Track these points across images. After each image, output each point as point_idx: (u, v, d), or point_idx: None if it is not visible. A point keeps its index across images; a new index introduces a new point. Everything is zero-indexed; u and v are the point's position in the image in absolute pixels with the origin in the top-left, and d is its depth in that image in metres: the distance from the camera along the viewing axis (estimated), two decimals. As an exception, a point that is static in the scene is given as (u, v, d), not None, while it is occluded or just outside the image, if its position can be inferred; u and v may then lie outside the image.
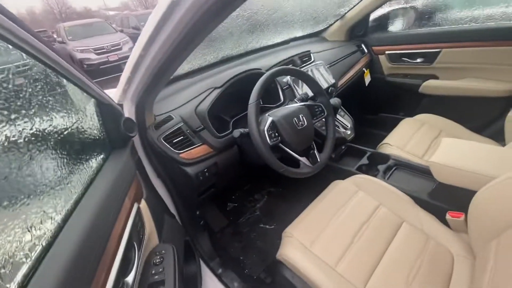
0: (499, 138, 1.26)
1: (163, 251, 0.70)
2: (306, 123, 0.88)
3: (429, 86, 1.61)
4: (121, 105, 0.83)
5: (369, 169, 1.21)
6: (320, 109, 0.96)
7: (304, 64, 1.34)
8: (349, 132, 1.26)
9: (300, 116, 0.88)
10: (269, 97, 1.17)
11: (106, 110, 0.69)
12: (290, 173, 0.83)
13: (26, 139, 0.44)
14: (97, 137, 0.69)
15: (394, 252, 0.83)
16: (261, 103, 1.17)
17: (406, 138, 1.34)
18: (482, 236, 0.73)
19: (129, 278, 0.53)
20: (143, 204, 0.71)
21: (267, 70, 0.92)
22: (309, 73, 1.29)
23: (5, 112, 0.40)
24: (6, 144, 0.39)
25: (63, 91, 0.58)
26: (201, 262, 1.13)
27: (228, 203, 1.61)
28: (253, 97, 0.81)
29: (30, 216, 0.39)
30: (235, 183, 1.65)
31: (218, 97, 0.97)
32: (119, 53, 6.24)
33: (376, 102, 1.93)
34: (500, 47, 1.33)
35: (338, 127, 1.26)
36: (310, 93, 1.08)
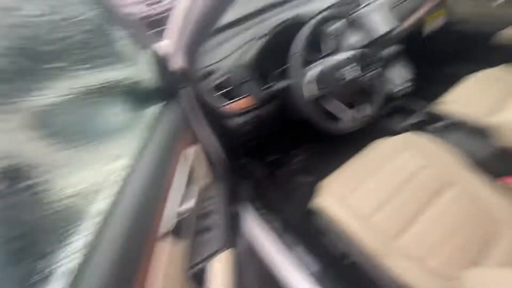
0: None
1: (214, 189, 0.80)
2: (353, 75, 0.83)
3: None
4: (171, 57, 0.88)
5: (421, 128, 1.13)
6: (370, 59, 0.89)
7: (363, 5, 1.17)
8: (403, 86, 1.14)
9: (348, 68, 0.83)
10: (315, 47, 1.10)
11: (160, 62, 0.75)
12: (331, 128, 0.83)
13: (90, 90, 0.50)
14: (153, 88, 0.77)
15: (436, 212, 0.82)
16: (305, 53, 1.13)
17: (471, 96, 1.17)
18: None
19: (187, 206, 0.64)
20: (197, 147, 0.80)
21: (314, 16, 0.85)
22: (367, 14, 1.14)
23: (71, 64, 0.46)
24: (71, 94, 0.45)
25: (122, 43, 0.63)
26: (244, 204, 1.26)
27: (268, 155, 1.68)
28: (296, 47, 0.78)
29: (106, 156, 0.48)
30: (276, 137, 1.70)
31: (262, 47, 0.95)
32: (161, 5, 6.20)
33: (444, 53, 1.66)
34: None
35: (391, 79, 1.14)
36: (362, 42, 0.98)
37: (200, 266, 0.62)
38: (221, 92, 0.93)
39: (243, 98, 0.95)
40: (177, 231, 0.56)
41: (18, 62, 0.34)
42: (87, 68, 0.50)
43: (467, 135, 1.04)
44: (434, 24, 1.51)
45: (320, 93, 0.80)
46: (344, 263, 0.88)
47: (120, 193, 0.46)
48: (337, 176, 0.95)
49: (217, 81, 0.93)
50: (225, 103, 0.93)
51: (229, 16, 1.18)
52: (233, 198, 1.19)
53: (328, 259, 1.01)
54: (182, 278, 0.56)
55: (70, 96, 0.45)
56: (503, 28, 1.33)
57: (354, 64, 0.85)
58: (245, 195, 1.31)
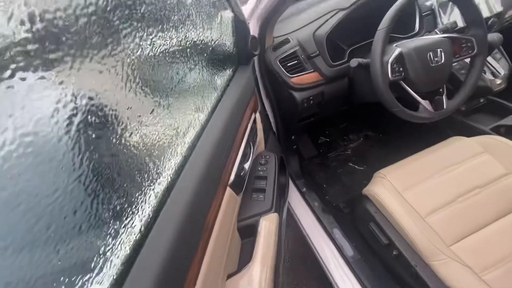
0: None
1: (267, 156, 0.84)
2: (443, 61, 0.74)
3: None
4: (249, 23, 0.90)
5: (510, 133, 0.97)
6: (469, 45, 0.77)
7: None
8: (499, 81, 0.97)
9: (438, 51, 0.73)
10: (401, 25, 0.99)
11: (240, 27, 0.77)
12: (405, 115, 0.77)
13: (176, 48, 0.55)
14: (231, 52, 0.81)
15: (503, 226, 0.74)
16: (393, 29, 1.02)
17: None
18: None
19: (246, 165, 0.69)
20: (257, 115, 0.84)
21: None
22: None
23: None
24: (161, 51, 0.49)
25: (210, 4, 0.67)
26: (289, 179, 1.30)
27: (321, 136, 1.66)
28: (385, 22, 0.71)
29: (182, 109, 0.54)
30: (334, 118, 1.65)
31: (341, 21, 0.90)
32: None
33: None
34: None
35: (484, 72, 0.98)
36: (460, 23, 0.85)
37: (249, 221, 0.68)
38: (290, 63, 0.92)
39: (311, 72, 0.94)
40: (237, 185, 0.62)
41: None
42: (175, 27, 0.55)
43: None
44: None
45: (396, 76, 0.74)
46: (384, 254, 0.86)
47: (200, 139, 0.53)
48: (396, 168, 0.90)
49: (288, 52, 0.92)
50: (292, 75, 0.93)
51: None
52: (282, 170, 1.23)
53: (366, 247, 1.00)
54: (233, 226, 0.63)
55: (160, 51, 0.50)
56: None
57: (447, 47, 0.74)
58: (292, 169, 1.33)
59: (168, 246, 0.35)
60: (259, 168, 0.81)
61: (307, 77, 0.94)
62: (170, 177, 0.45)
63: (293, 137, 1.39)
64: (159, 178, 0.43)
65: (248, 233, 0.68)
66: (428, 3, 0.95)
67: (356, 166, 1.45)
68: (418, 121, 0.79)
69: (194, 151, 0.50)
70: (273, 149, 1.01)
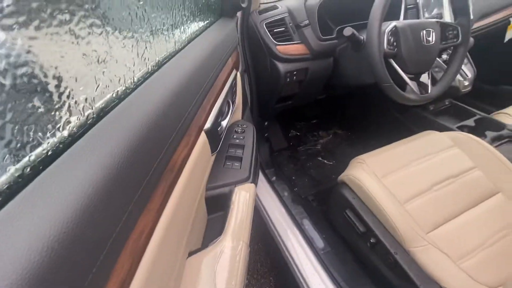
0: None
1: (244, 125, 0.73)
2: (433, 41, 0.73)
3: None
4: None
5: (473, 133, 1.02)
6: (455, 32, 0.78)
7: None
8: (466, 83, 1.03)
9: (431, 31, 0.72)
10: (388, 16, 0.99)
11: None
12: (394, 92, 0.73)
13: None
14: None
15: (477, 216, 0.74)
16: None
17: (537, 115, 1.06)
18: None
19: (224, 122, 0.57)
20: (238, 75, 0.72)
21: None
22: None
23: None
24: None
25: None
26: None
27: (292, 130, 1.60)
28: None
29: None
30: (302, 113, 1.62)
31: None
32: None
33: (508, 68, 1.52)
34: None
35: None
36: (446, 17, 0.87)
37: (221, 190, 0.55)
38: (277, 29, 0.83)
39: (298, 43, 0.86)
40: (213, 137, 0.49)
41: None
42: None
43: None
44: (510, 34, 1.37)
45: (390, 49, 0.70)
46: (360, 244, 0.80)
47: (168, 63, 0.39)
48: (375, 154, 0.86)
49: (276, 17, 0.83)
50: (278, 43, 0.84)
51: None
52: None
53: (338, 239, 0.94)
54: (201, 192, 0.49)
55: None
56: None
57: (438, 30, 0.74)
58: (261, 157, 1.23)
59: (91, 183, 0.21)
60: (235, 136, 0.68)
61: (293, 48, 0.87)
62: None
63: (266, 124, 1.30)
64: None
65: (217, 206, 0.54)
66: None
67: (325, 161, 1.41)
68: (405, 102, 0.76)
69: (159, 72, 0.37)
70: (251, 119, 0.90)
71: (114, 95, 0.32)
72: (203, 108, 0.45)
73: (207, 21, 0.67)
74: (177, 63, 0.44)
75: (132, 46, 0.37)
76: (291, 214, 1.01)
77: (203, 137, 0.43)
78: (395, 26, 0.70)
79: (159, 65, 0.41)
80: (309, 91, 1.04)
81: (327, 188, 1.20)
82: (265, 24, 0.83)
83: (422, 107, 1.11)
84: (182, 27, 0.56)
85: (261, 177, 1.18)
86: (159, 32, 0.48)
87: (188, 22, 0.60)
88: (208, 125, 0.44)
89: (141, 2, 0.40)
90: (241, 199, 0.53)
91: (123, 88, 0.33)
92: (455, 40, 0.78)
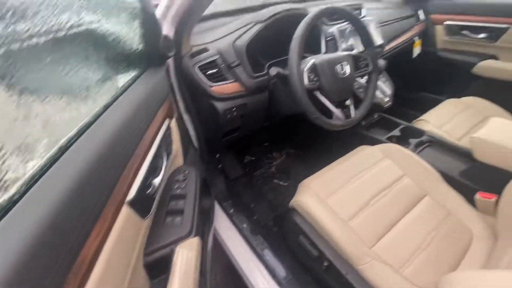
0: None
1: (186, 171, 0.72)
2: (348, 73, 0.82)
3: (486, 66, 1.45)
4: (162, 23, 0.81)
5: (400, 142, 1.16)
6: (366, 62, 0.89)
7: (354, 18, 1.22)
8: (387, 99, 1.18)
9: (344, 64, 0.82)
10: (310, 47, 1.09)
11: (149, 21, 0.67)
12: (321, 122, 0.80)
13: (71, 32, 0.43)
14: (137, 50, 0.68)
15: (410, 221, 0.82)
16: (306, 41, 1.10)
17: (446, 118, 1.25)
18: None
19: (157, 180, 0.55)
20: (173, 123, 0.72)
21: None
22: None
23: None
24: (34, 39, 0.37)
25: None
26: (215, 201, 1.18)
27: (246, 155, 1.63)
28: (300, 30, 0.75)
29: (56, 109, 0.39)
30: (254, 138, 1.66)
31: (258, 34, 0.91)
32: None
33: (421, 78, 1.78)
34: None
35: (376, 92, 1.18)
36: (357, 48, 0.99)
37: (161, 252, 0.53)
38: (210, 71, 0.86)
39: (232, 82, 0.90)
40: (142, 205, 0.47)
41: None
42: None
43: (443, 152, 1.08)
44: (417, 50, 1.62)
45: (312, 85, 0.77)
46: (316, 268, 0.83)
47: (81, 138, 0.37)
48: (319, 176, 0.92)
49: (208, 60, 0.86)
50: (213, 84, 0.86)
51: (231, 5, 1.15)
52: (205, 192, 1.11)
53: (298, 264, 0.95)
54: (135, 262, 0.46)
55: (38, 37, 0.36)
56: (481, 60, 1.46)
57: (351, 62, 0.84)
58: (218, 190, 1.22)
59: None
60: (176, 186, 0.67)
61: (228, 87, 0.90)
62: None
63: (217, 156, 1.30)
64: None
65: (160, 269, 0.52)
66: (329, 30, 1.09)
67: (280, 182, 1.46)
68: (333, 128, 0.83)
69: (68, 152, 0.35)
70: (194, 164, 0.89)
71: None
72: (124, 177, 0.43)
73: (133, 75, 0.67)
74: (94, 132, 0.42)
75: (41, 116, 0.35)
76: (251, 247, 1.01)
77: (125, 212, 0.41)
78: (313, 63, 0.78)
79: (71, 140, 0.39)
80: (251, 123, 1.08)
81: (284, 210, 1.23)
82: (198, 67, 0.85)
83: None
84: (102, 89, 0.55)
85: (219, 212, 1.16)
86: (75, 96, 0.46)
87: (110, 80, 0.59)
88: (130, 196, 0.43)
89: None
90: (183, 259, 0.51)
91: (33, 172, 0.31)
92: (366, 68, 0.89)
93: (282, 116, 1.10)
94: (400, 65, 1.71)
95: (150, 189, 0.52)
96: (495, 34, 1.39)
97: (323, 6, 0.79)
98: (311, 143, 1.61)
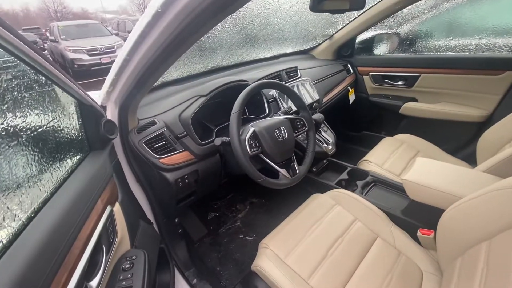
0: (471, 160, 1.33)
1: (133, 257, 0.68)
2: (287, 136, 0.91)
3: (409, 107, 1.69)
4: (104, 107, 0.83)
5: (348, 184, 1.25)
6: (302, 123, 0.99)
7: (291, 79, 1.38)
8: (330, 147, 1.29)
9: (282, 128, 0.90)
10: (255, 109, 1.19)
11: (87, 111, 0.69)
12: (268, 184, 0.84)
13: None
14: (75, 137, 0.69)
15: (366, 267, 0.85)
16: (246, 113, 1.20)
17: (385, 156, 1.39)
18: (448, 254, 0.76)
19: (93, 282, 0.52)
20: (117, 207, 0.70)
21: (253, 83, 0.95)
22: (295, 88, 1.34)
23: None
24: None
25: (41, 89, 0.58)
26: (176, 271, 1.10)
27: (210, 212, 1.59)
28: (236, 107, 0.83)
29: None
30: (216, 192, 1.65)
31: (203, 105, 0.98)
32: (112, 56, 6.22)
33: (360, 120, 2.01)
34: (473, 75, 1.42)
35: (320, 141, 1.29)
36: (294, 107, 1.11)
37: None
38: (158, 144, 0.88)
39: (181, 151, 0.92)
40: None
41: None
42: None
43: (386, 191, 1.18)
44: (352, 97, 1.85)
45: (255, 151, 0.83)
46: None
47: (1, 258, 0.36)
48: (275, 234, 0.93)
49: (155, 133, 0.89)
50: (161, 156, 0.88)
51: (175, 73, 1.23)
52: (164, 265, 1.04)
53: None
54: None
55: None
56: (404, 103, 1.70)
57: (288, 125, 0.93)
58: (179, 259, 1.15)
59: None
60: (121, 277, 0.63)
61: (178, 157, 0.92)
62: None
63: (176, 220, 1.25)
64: None
65: None
66: (270, 93, 1.22)
67: (246, 237, 1.43)
68: (281, 187, 0.88)
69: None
70: (146, 243, 0.84)
71: None
72: (55, 285, 0.41)
73: (75, 160, 0.66)
74: (28, 234, 0.41)
75: None
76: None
77: None
78: (253, 131, 0.85)
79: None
80: (206, 185, 1.09)
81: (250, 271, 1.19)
82: (144, 142, 0.87)
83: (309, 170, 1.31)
84: (48, 173, 0.54)
85: (182, 282, 1.08)
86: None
87: (53, 165, 0.58)
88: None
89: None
90: None
91: None
92: (304, 128, 1.00)
93: (236, 175, 1.13)
94: (341, 111, 1.93)
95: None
96: (410, 81, 1.67)
97: (255, 83, 0.90)
98: (271, 190, 1.64)
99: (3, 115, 0.46)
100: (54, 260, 0.43)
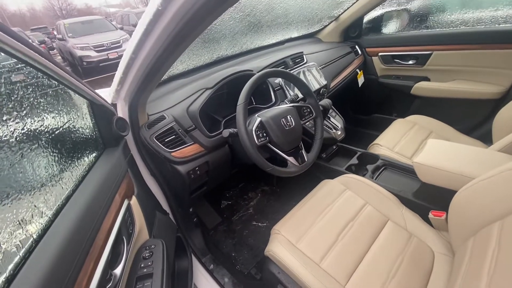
0: (487, 139, 1.29)
1: (152, 246, 0.72)
2: (294, 124, 0.91)
3: (420, 87, 1.64)
4: (115, 105, 0.86)
5: (358, 169, 1.24)
6: (308, 110, 0.99)
7: (296, 66, 1.36)
8: (339, 132, 1.28)
9: (288, 117, 0.90)
10: (261, 98, 1.19)
11: (99, 110, 0.72)
12: (277, 172, 0.86)
13: (18, 138, 0.47)
14: (90, 136, 0.72)
15: (377, 250, 0.86)
16: (253, 103, 1.20)
17: (397, 139, 1.37)
18: (460, 235, 0.76)
19: (117, 270, 0.56)
20: (133, 200, 0.74)
21: (258, 72, 0.94)
22: (301, 74, 1.32)
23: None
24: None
25: (55, 93, 0.60)
26: (194, 258, 1.16)
27: (222, 200, 1.64)
28: (242, 98, 0.83)
29: (21, 210, 0.42)
30: (228, 182, 1.68)
31: (210, 97, 0.99)
32: (119, 51, 6.27)
33: (370, 103, 1.96)
34: (488, 50, 1.35)
35: (329, 127, 1.28)
36: (301, 95, 1.10)
37: None
38: (168, 138, 0.91)
39: (191, 144, 0.94)
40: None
41: None
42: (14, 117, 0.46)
43: (398, 174, 1.17)
44: (361, 79, 1.80)
45: (262, 141, 0.84)
46: None
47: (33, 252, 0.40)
48: (287, 220, 0.95)
49: (165, 128, 0.91)
50: (172, 150, 0.91)
51: (180, 66, 1.24)
52: (181, 252, 1.09)
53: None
54: None
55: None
56: (416, 83, 1.65)
57: (294, 113, 0.93)
58: (196, 247, 1.21)
59: None
60: (142, 265, 0.67)
61: (188, 150, 0.94)
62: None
63: (191, 210, 1.30)
64: None
65: None
66: (276, 81, 1.21)
67: (259, 224, 1.47)
68: (290, 175, 0.89)
69: (26, 264, 0.37)
70: (163, 232, 0.89)
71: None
72: (84, 271, 0.45)
73: (91, 158, 0.69)
74: (55, 230, 0.45)
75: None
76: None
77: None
78: (260, 121, 0.86)
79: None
80: (218, 176, 1.12)
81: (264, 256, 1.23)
82: (155, 137, 0.89)
83: (317, 156, 1.31)
84: (68, 172, 0.58)
85: (199, 269, 1.14)
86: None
87: (72, 164, 0.61)
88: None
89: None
90: None
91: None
92: (311, 115, 0.99)
93: (246, 165, 1.15)
94: (351, 94, 1.89)
95: (111, 283, 0.53)
96: (422, 60, 1.60)
97: (260, 73, 0.89)
98: (281, 178, 1.67)
99: (23, 121, 0.49)
100: (81, 251, 0.47)
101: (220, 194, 1.66)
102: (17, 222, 0.41)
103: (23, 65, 0.46)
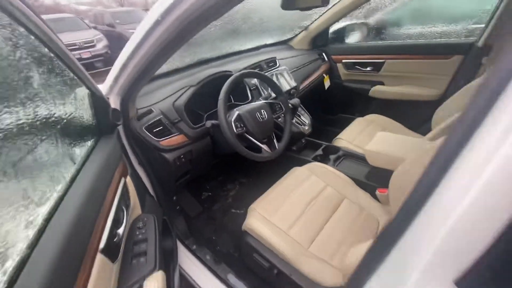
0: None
1: (145, 218, 0.84)
2: (267, 117, 1.08)
3: (377, 90, 1.90)
4: (107, 99, 0.97)
5: (323, 159, 1.44)
6: (279, 106, 1.17)
7: (270, 69, 1.54)
8: (307, 127, 1.48)
9: (262, 111, 1.07)
10: (239, 96, 1.35)
11: (98, 101, 0.83)
12: (252, 157, 1.01)
13: (28, 126, 0.56)
14: (89, 124, 0.83)
15: (335, 221, 1.05)
16: (232, 100, 1.36)
17: (356, 134, 1.60)
18: (397, 205, 0.96)
19: (120, 230, 0.68)
20: (128, 179, 0.85)
21: (235, 73, 1.10)
22: (273, 77, 1.50)
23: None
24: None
25: (70, 81, 0.71)
26: (177, 241, 1.27)
27: (203, 192, 1.76)
28: (222, 94, 0.98)
29: (37, 184, 0.52)
30: (208, 172, 1.81)
31: (193, 94, 1.13)
32: (92, 51, 6.06)
33: (335, 104, 2.21)
34: (428, 60, 1.64)
35: (298, 123, 1.47)
36: (274, 94, 1.28)
37: (132, 289, 0.64)
38: (156, 129, 1.03)
39: (177, 134, 1.07)
40: (111, 251, 0.60)
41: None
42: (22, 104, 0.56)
43: (354, 162, 1.38)
44: (327, 83, 2.03)
45: (240, 131, 1.00)
46: (269, 278, 0.98)
47: (58, 210, 0.51)
48: (261, 200, 1.11)
49: (153, 120, 1.03)
50: (160, 139, 1.03)
51: (165, 67, 1.36)
52: (166, 233, 1.20)
53: (258, 281, 1.10)
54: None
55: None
56: (372, 86, 1.91)
57: (267, 108, 1.10)
58: (179, 230, 1.32)
59: None
60: (137, 233, 0.79)
61: (175, 139, 1.07)
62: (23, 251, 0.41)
63: (174, 198, 1.41)
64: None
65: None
66: (252, 82, 1.38)
67: (237, 211, 1.61)
68: (263, 160, 1.06)
69: (50, 223, 0.48)
70: (152, 211, 1.00)
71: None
72: (96, 230, 0.56)
73: (91, 143, 0.80)
74: (71, 197, 0.56)
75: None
76: (216, 275, 1.12)
77: (100, 259, 0.54)
78: (238, 114, 1.01)
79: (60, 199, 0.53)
80: (200, 164, 1.25)
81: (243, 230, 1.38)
82: (145, 128, 1.01)
83: (288, 148, 1.49)
84: (70, 157, 0.68)
85: (183, 250, 1.25)
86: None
87: (77, 147, 0.72)
88: (102, 244, 0.56)
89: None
90: (151, 290, 0.63)
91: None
92: (281, 110, 1.17)
93: (226, 154, 1.30)
94: (318, 96, 2.11)
95: (116, 238, 0.65)
96: (377, 67, 1.86)
97: (238, 73, 1.05)
98: (257, 170, 1.83)
99: (38, 109, 0.60)
100: (94, 213, 0.58)
101: (201, 186, 1.78)
102: (46, 187, 0.51)
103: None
